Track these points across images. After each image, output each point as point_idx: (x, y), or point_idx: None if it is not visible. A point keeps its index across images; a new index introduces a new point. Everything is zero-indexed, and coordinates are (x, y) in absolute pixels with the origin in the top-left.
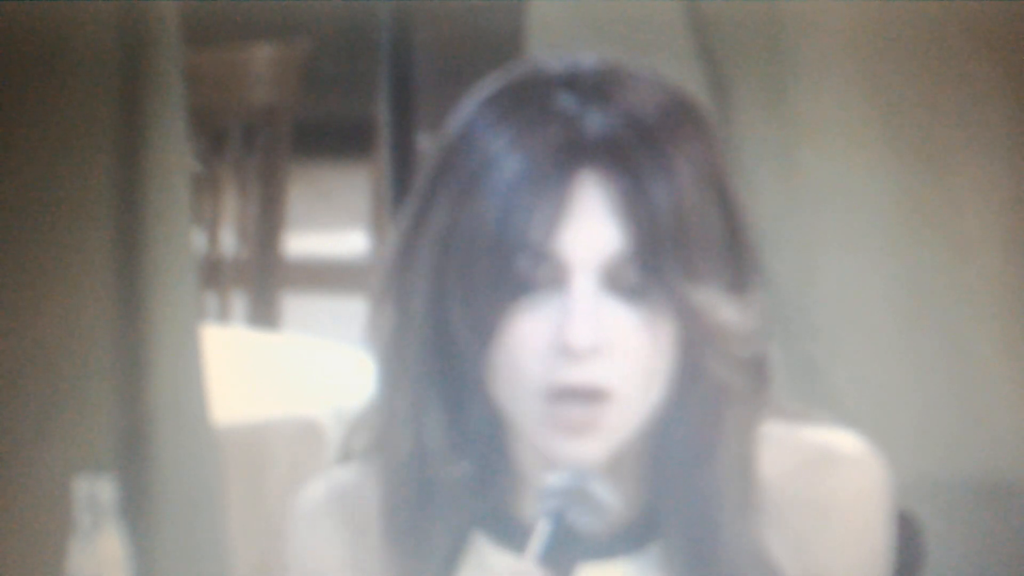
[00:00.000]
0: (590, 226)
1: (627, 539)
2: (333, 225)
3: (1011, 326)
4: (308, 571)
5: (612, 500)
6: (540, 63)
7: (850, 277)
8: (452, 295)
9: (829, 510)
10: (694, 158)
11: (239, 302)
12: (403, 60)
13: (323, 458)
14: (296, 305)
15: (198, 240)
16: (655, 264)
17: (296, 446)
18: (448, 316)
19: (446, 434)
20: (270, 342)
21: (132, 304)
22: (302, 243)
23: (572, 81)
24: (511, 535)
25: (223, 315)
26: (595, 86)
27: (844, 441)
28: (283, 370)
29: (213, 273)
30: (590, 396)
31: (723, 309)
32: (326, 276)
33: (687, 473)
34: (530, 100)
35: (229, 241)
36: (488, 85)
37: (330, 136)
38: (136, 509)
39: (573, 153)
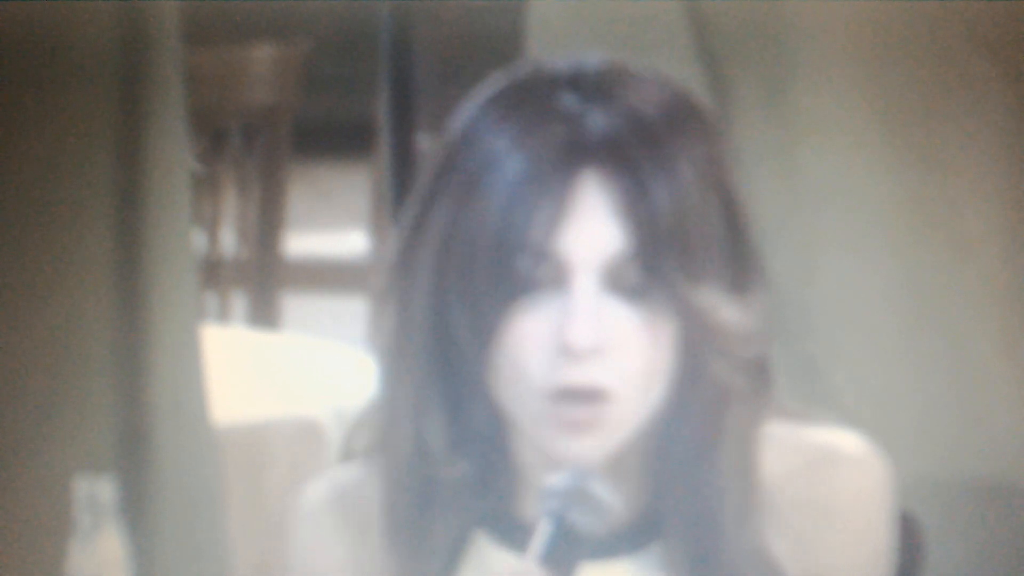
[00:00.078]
0: (591, 226)
1: (628, 539)
2: (333, 225)
3: (1011, 326)
4: (309, 571)
5: (613, 500)
6: (544, 63)
7: (850, 277)
8: (453, 294)
9: (831, 510)
10: (696, 158)
11: (239, 302)
12: (403, 60)
13: (323, 458)
14: (296, 305)
15: (198, 240)
16: (656, 264)
17: (296, 446)
18: (449, 315)
19: (447, 433)
20: (270, 342)
21: (132, 304)
22: (302, 243)
23: (575, 81)
24: (512, 535)
25: (223, 315)
26: (598, 86)
27: (846, 441)
28: (283, 370)
29: (213, 273)
30: (591, 396)
31: (724, 309)
32: (326, 276)
33: (688, 473)
34: (533, 100)
35: (229, 241)
36: (492, 85)
37: (330, 136)
38: (136, 509)
39: (575, 153)
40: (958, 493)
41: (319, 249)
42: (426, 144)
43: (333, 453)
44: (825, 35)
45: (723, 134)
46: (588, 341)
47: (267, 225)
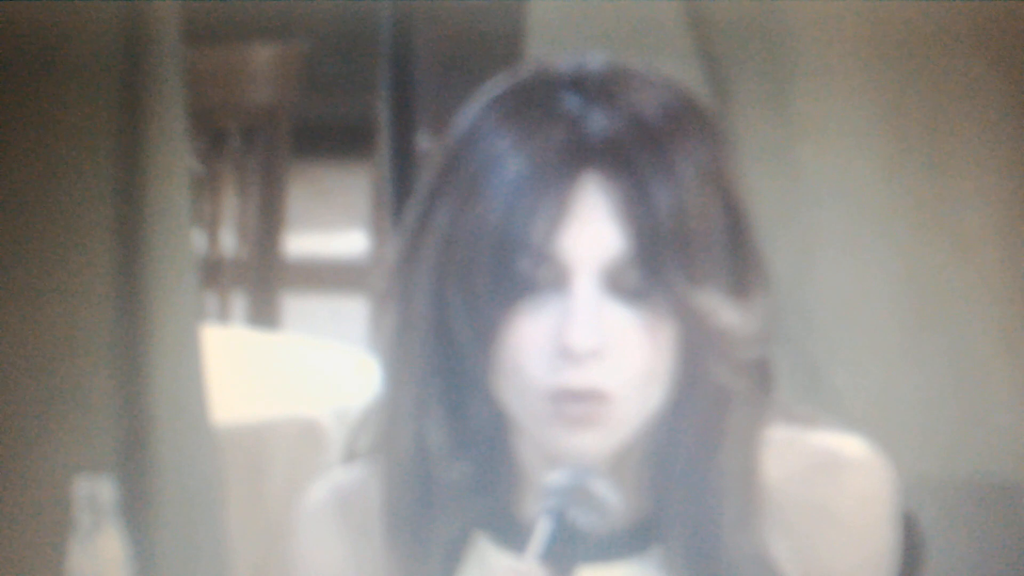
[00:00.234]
0: (592, 228)
1: (629, 541)
2: (333, 225)
3: (1011, 326)
4: (311, 571)
5: (613, 498)
6: (547, 64)
7: (850, 277)
8: (454, 295)
9: (834, 514)
10: (698, 160)
11: (239, 302)
12: (403, 60)
13: (323, 458)
14: (296, 305)
15: (198, 240)
16: (657, 266)
17: (296, 446)
18: (450, 316)
19: (448, 433)
20: (270, 342)
21: (132, 304)
22: (302, 243)
23: (578, 82)
24: (512, 535)
25: (223, 315)
26: (600, 87)
27: (849, 445)
28: (283, 370)
29: (213, 273)
30: (590, 399)
31: (725, 312)
32: (326, 276)
33: (689, 476)
34: (535, 101)
35: (229, 241)
36: (495, 86)
37: (330, 136)
38: (136, 509)
39: (576, 154)
40: (958, 493)
41: (319, 249)
42: (426, 144)
43: (333, 453)
44: (825, 35)
45: (725, 136)
46: (588, 344)
47: (267, 225)
